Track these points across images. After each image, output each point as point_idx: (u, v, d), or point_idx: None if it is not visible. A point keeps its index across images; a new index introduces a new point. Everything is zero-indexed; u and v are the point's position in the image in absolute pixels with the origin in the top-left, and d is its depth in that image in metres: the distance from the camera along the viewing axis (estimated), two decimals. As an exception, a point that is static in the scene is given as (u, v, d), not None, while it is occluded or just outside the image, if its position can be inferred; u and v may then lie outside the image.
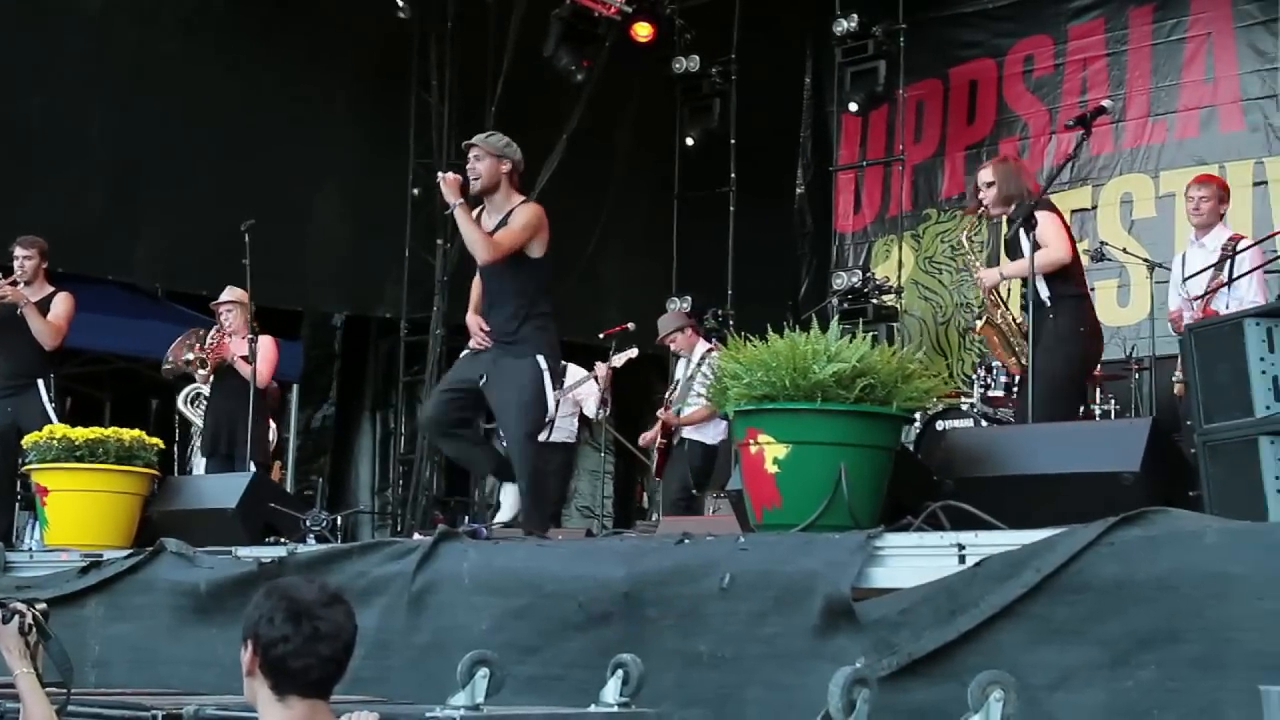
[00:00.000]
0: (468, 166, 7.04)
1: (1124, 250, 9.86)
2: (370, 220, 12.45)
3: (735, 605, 4.92)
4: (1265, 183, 10.28)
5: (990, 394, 8.98)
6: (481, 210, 7.11)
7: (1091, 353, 7.33)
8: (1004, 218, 7.29)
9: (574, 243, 12.37)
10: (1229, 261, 7.73)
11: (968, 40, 12.36)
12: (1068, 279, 7.06)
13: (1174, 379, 8.18)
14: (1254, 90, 10.66)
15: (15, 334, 8.80)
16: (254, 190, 11.14)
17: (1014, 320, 7.63)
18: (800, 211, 13.48)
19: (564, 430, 10.61)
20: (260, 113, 11.79)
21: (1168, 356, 8.67)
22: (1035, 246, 6.92)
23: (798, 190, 13.51)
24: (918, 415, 8.20)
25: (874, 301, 11.37)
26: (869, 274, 11.59)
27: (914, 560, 4.76)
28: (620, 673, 4.17)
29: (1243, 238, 8.02)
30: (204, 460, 9.63)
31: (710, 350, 9.89)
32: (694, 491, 9.84)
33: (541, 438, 10.22)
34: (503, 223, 6.96)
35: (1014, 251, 7.10)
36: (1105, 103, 7.92)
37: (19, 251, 8.94)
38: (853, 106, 11.86)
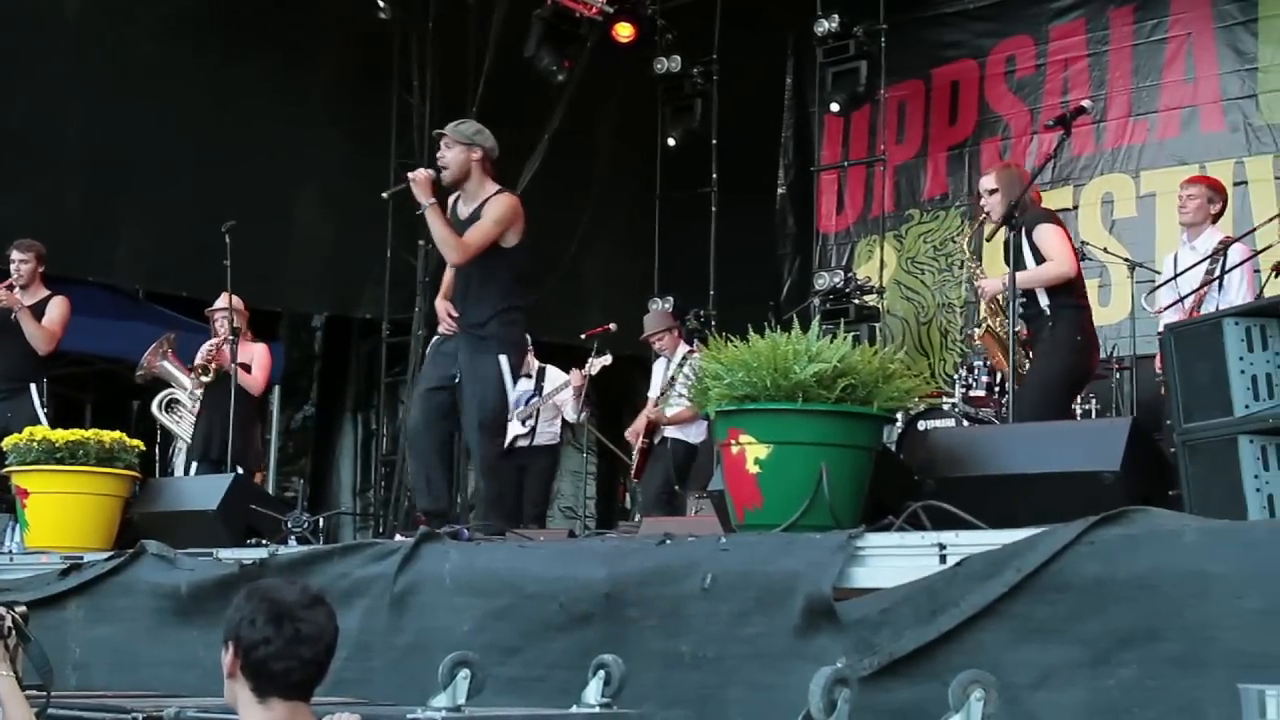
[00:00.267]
0: (437, 155, 7.01)
1: (1105, 250, 9.90)
2: (351, 221, 12.41)
3: (717, 605, 4.93)
4: (1245, 182, 10.30)
5: (972, 394, 9.01)
6: (457, 199, 7.07)
7: (1088, 366, 7.39)
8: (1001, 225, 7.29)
9: (556, 243, 12.39)
10: (1220, 264, 7.74)
11: (949, 41, 12.37)
12: (1070, 290, 7.13)
13: (1158, 378, 8.20)
14: (1234, 90, 10.69)
15: (9, 337, 8.80)
16: (235, 191, 11.10)
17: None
18: (782, 212, 13.49)
19: (547, 433, 10.62)
20: (241, 113, 11.74)
21: (1148, 356, 8.69)
22: (1037, 255, 6.96)
23: (779, 191, 13.51)
24: (899, 415, 8.24)
25: (856, 302, 11.37)
26: (851, 274, 11.60)
27: (895, 560, 4.76)
28: (602, 673, 4.17)
29: (1234, 241, 8.03)
30: (194, 465, 9.61)
31: (691, 352, 9.91)
32: (676, 488, 9.87)
33: (524, 440, 10.38)
34: (476, 214, 6.93)
35: (1013, 259, 7.08)
36: (1085, 103, 7.96)
37: (16, 255, 8.93)
38: (834, 107, 11.85)
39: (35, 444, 7.73)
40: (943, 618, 4.37)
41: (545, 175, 12.22)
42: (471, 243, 6.86)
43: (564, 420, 10.72)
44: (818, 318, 10.54)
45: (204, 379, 9.49)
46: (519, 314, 7.06)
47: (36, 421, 8.45)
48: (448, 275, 7.20)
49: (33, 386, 8.80)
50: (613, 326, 10.61)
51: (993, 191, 7.30)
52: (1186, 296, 7.76)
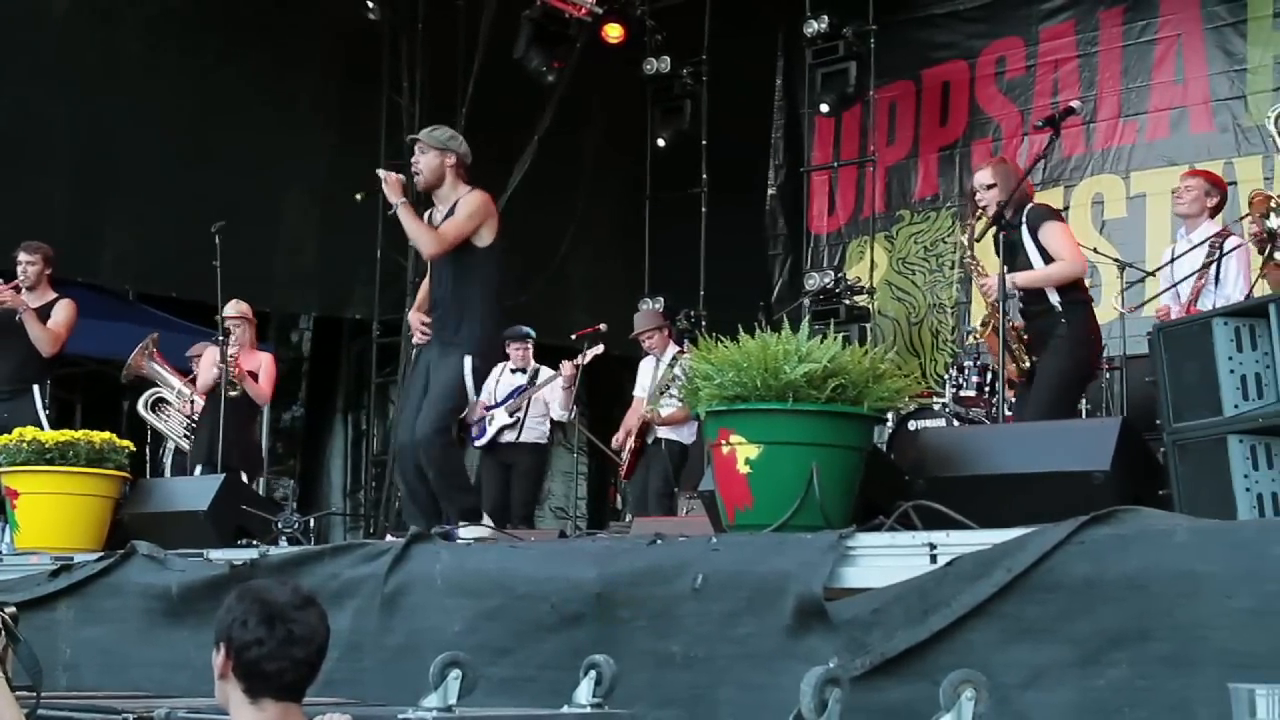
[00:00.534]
0: (412, 161, 7.03)
1: (1095, 250, 9.89)
2: (341, 221, 12.37)
3: (708, 606, 4.93)
4: (1235, 183, 10.31)
5: (962, 394, 9.02)
6: (432, 209, 7.09)
7: (1096, 362, 7.44)
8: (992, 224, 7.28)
9: (545, 244, 12.39)
10: (1215, 258, 7.72)
11: (939, 42, 12.39)
12: (1077, 286, 7.17)
13: (1148, 378, 8.19)
14: (1223, 91, 10.72)
15: (13, 338, 8.79)
16: (223, 191, 11.09)
17: (1015, 326, 7.65)
18: (773, 212, 13.50)
19: (535, 432, 10.61)
20: (229, 113, 11.73)
21: (1139, 356, 8.70)
22: (1044, 254, 6.97)
23: (769, 191, 13.52)
24: (890, 415, 8.25)
25: (846, 302, 11.38)
26: (841, 275, 11.61)
27: (886, 560, 4.76)
28: (593, 673, 4.18)
29: (1231, 233, 8.01)
30: (199, 469, 9.61)
31: (680, 353, 9.91)
32: (676, 489, 9.87)
33: (510, 434, 10.38)
34: (449, 214, 6.94)
35: (1011, 255, 7.08)
36: (1074, 104, 7.94)
37: (23, 256, 8.91)
38: (824, 108, 11.86)
39: (25, 445, 7.71)
40: (934, 617, 4.38)
41: (535, 176, 12.23)
42: (447, 233, 6.88)
43: (553, 421, 10.72)
44: (808, 318, 10.54)
45: (232, 393, 9.40)
46: (491, 319, 7.06)
47: (38, 423, 8.43)
48: (423, 289, 7.24)
49: (35, 388, 8.78)
50: (603, 326, 10.60)
51: (990, 186, 7.28)
52: (1180, 283, 7.75)
